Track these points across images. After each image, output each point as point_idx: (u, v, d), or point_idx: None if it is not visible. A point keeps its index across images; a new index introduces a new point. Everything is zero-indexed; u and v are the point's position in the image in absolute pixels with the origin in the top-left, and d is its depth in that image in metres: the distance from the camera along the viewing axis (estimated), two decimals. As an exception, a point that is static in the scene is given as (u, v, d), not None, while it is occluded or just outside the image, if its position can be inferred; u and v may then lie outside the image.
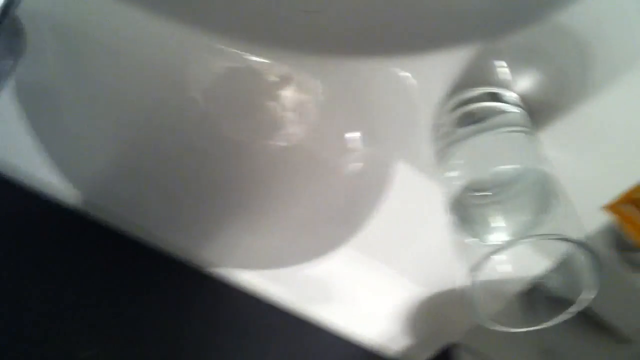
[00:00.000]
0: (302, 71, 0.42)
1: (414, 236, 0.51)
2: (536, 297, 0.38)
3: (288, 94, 0.43)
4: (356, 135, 0.46)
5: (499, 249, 0.32)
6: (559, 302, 0.37)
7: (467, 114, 0.40)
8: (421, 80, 0.41)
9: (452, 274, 0.53)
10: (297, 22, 0.40)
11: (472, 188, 0.38)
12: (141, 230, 0.53)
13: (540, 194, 0.37)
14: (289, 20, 0.40)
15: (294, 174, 0.48)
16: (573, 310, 0.34)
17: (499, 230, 0.38)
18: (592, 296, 0.32)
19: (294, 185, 0.48)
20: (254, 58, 0.41)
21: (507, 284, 0.38)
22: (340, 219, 0.50)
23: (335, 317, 0.59)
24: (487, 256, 0.32)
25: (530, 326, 0.35)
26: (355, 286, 0.55)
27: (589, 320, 0.76)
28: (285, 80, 0.43)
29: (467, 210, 0.38)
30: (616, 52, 0.40)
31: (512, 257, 0.36)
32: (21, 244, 0.46)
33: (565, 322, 0.35)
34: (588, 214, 0.43)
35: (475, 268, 0.34)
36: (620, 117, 0.42)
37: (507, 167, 0.37)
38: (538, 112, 0.42)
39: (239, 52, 0.41)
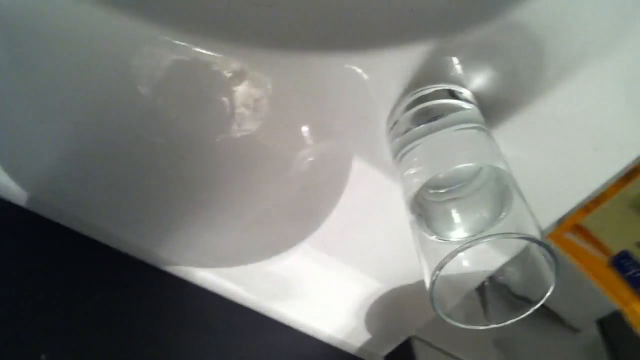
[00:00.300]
0: (255, 66, 0.41)
1: (371, 232, 0.51)
2: (493, 293, 0.39)
3: (240, 88, 0.43)
4: (309, 129, 0.45)
5: (464, 247, 0.32)
6: (515, 297, 0.38)
7: (422, 111, 0.40)
8: (375, 76, 0.41)
9: (409, 269, 0.53)
10: (248, 15, 0.39)
11: (430, 185, 0.39)
12: (92, 229, 0.51)
13: (497, 191, 0.38)
14: (239, 13, 0.39)
15: (250, 168, 0.47)
16: (532, 307, 0.34)
17: (458, 226, 0.38)
18: (549, 292, 0.33)
19: (250, 180, 0.48)
20: (205, 52, 0.41)
21: (466, 280, 0.38)
22: (297, 215, 0.50)
23: (296, 314, 0.59)
24: (452, 255, 0.32)
25: (490, 323, 0.36)
26: (315, 282, 0.55)
27: (540, 310, 0.78)
28: (237, 75, 0.42)
29: (425, 207, 0.38)
30: (569, 49, 0.40)
31: (471, 254, 0.36)
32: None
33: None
34: (543, 209, 0.44)
35: (439, 267, 0.34)
36: (572, 112, 0.43)
37: (464, 165, 0.37)
38: (492, 109, 0.42)
39: (188, 45, 0.40)
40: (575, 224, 0.23)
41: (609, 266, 0.22)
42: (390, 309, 0.58)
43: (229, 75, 0.42)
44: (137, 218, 0.51)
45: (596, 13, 0.39)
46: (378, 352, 0.65)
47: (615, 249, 0.22)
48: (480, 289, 0.40)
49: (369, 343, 0.63)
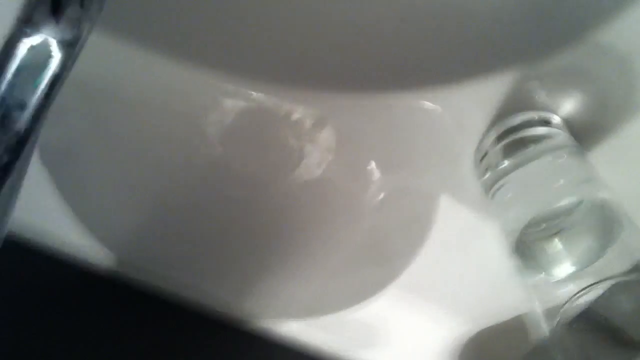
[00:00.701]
0: (329, 111, 0.41)
1: (460, 270, 0.49)
2: (609, 328, 0.36)
3: (315, 133, 0.42)
4: (386, 169, 0.44)
5: (586, 290, 0.30)
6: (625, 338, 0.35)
7: (511, 143, 0.39)
8: (454, 111, 0.40)
9: (499, 307, 0.51)
10: (320, 61, 0.39)
11: (529, 223, 0.37)
12: (172, 285, 0.51)
13: (601, 219, 0.36)
14: (310, 58, 0.39)
15: (327, 211, 0.46)
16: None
17: (563, 262, 0.36)
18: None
19: (329, 225, 0.47)
20: (277, 99, 0.40)
21: (580, 318, 0.36)
22: (382, 257, 0.49)
23: (383, 360, 0.57)
24: (574, 299, 0.30)
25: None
26: (402, 327, 0.53)
27: None
28: (315, 122, 0.42)
29: (526, 246, 0.37)
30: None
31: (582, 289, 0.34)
32: (58, 313, 0.45)
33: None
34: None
35: (561, 312, 0.32)
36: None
37: (564, 202, 0.35)
38: (584, 134, 0.40)
39: (264, 94, 0.40)
40: None
41: None
42: (481, 350, 0.56)
43: (302, 121, 0.42)
44: (218, 272, 0.50)
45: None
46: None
47: None
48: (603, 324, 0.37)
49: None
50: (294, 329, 0.53)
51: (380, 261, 0.49)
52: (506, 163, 0.38)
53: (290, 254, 0.48)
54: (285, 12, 0.37)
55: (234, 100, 0.41)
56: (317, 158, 0.44)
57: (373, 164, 0.44)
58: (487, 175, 0.39)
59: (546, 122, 0.39)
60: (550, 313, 0.32)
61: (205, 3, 0.37)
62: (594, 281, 0.31)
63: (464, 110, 0.40)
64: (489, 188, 0.38)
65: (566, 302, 0.31)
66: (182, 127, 0.42)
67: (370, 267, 0.49)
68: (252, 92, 0.40)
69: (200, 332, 0.51)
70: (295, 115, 0.41)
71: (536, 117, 0.39)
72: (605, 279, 0.30)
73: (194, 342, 0.51)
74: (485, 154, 0.40)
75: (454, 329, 0.54)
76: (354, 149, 0.44)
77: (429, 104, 0.40)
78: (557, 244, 0.36)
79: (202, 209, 0.47)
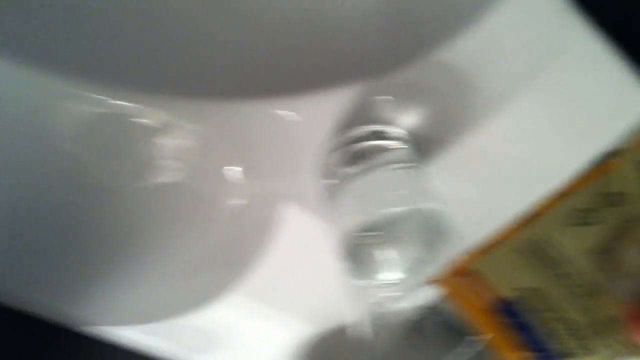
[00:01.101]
0: (180, 116, 0.40)
1: (302, 276, 0.49)
2: (428, 331, 0.38)
3: (164, 138, 0.41)
4: (239, 174, 0.43)
5: (396, 292, 0.31)
6: (451, 332, 0.37)
7: (353, 154, 0.39)
8: (306, 119, 0.40)
9: (342, 310, 0.52)
10: (169, 66, 0.37)
11: (362, 229, 0.37)
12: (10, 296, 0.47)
13: (431, 230, 0.37)
14: (160, 64, 0.37)
15: (174, 216, 0.45)
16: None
17: (392, 269, 0.37)
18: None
19: (174, 229, 0.45)
20: (126, 104, 0.39)
21: (402, 320, 0.37)
22: (226, 263, 0.48)
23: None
24: (386, 300, 0.31)
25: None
26: (246, 331, 0.53)
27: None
28: (161, 126, 0.40)
29: (358, 251, 0.37)
30: (496, 85, 0.41)
31: (406, 294, 0.35)
32: None
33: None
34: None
35: (372, 312, 0.33)
36: (501, 146, 0.43)
37: (397, 210, 0.36)
38: (425, 146, 0.42)
39: (107, 98, 0.38)
40: (467, 268, 0.23)
41: (495, 312, 0.21)
42: (326, 353, 0.56)
43: (153, 126, 0.40)
44: (55, 280, 0.47)
45: (518, 48, 0.40)
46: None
47: (506, 294, 0.22)
48: (416, 328, 0.38)
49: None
50: (131, 336, 0.51)
51: (223, 267, 0.48)
52: (346, 172, 0.38)
53: (131, 261, 0.46)
54: (137, 18, 0.36)
55: (85, 106, 0.38)
56: (172, 164, 0.42)
57: (238, 170, 0.43)
58: (329, 182, 0.39)
59: (389, 135, 0.40)
60: (373, 315, 0.33)
61: (52, 6, 0.35)
62: (416, 287, 0.32)
63: (313, 118, 0.40)
64: (330, 195, 0.39)
65: (378, 302, 0.32)
66: (27, 129, 0.39)
67: (213, 273, 0.48)
68: (105, 98, 0.38)
69: (39, 338, 0.48)
70: (148, 121, 0.40)
71: (377, 130, 0.40)
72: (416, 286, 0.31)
73: (33, 348, 0.48)
74: (326, 164, 0.40)
75: (297, 332, 0.54)
76: (215, 155, 0.43)
77: (286, 112, 0.40)
78: (389, 251, 0.37)
79: (47, 216, 0.44)
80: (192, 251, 0.46)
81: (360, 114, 0.40)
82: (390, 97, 0.40)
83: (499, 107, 0.41)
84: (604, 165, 0.26)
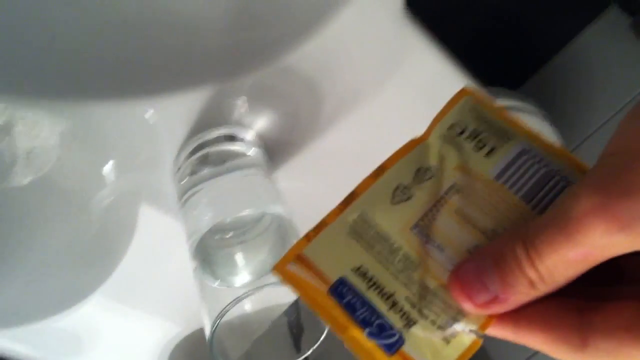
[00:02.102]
0: (41, 115, 0.39)
1: (165, 276, 0.49)
2: (281, 332, 0.39)
3: (18, 136, 0.40)
4: (104, 171, 0.43)
5: (243, 296, 0.32)
6: (303, 331, 0.39)
7: (204, 157, 0.40)
8: (163, 118, 0.40)
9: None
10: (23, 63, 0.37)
11: (212, 230, 0.38)
12: None
13: (278, 234, 0.38)
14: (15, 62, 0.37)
15: (38, 215, 0.44)
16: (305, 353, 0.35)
17: (241, 271, 0.38)
18: (320, 340, 0.34)
19: (38, 228, 0.44)
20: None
21: (252, 324, 0.38)
22: (88, 261, 0.47)
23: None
24: (233, 303, 0.32)
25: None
26: (111, 333, 0.52)
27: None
28: (21, 125, 0.39)
29: (208, 252, 0.38)
30: (343, 88, 0.43)
31: (254, 298, 0.37)
32: None
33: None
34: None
35: (220, 315, 0.34)
36: (348, 146, 0.45)
37: (245, 213, 0.37)
38: (277, 148, 0.43)
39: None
40: (298, 254, 0.24)
41: (328, 295, 0.22)
42: (194, 349, 0.57)
43: (8, 126, 0.39)
44: None
45: (364, 54, 0.42)
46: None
47: (334, 276, 0.23)
48: (269, 330, 0.40)
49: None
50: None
51: (85, 265, 0.47)
52: (196, 176, 0.39)
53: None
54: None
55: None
56: (37, 162, 0.41)
57: (110, 165, 0.43)
58: (181, 183, 0.40)
59: (238, 139, 0.41)
60: (214, 313, 0.34)
61: None
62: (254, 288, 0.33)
63: (168, 120, 0.41)
64: (180, 197, 0.39)
65: (226, 306, 0.33)
66: None
67: (74, 272, 0.47)
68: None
69: None
70: (9, 119, 0.39)
71: (229, 134, 0.41)
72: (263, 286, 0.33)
73: None
74: (180, 166, 0.41)
75: (166, 332, 0.54)
76: (81, 153, 0.42)
77: (143, 108, 0.40)
78: (237, 254, 0.38)
79: None
80: (56, 250, 0.45)
81: (214, 116, 0.41)
82: (241, 100, 0.41)
83: (348, 109, 0.43)
84: (413, 142, 0.28)
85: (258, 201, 0.38)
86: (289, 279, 0.25)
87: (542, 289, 0.22)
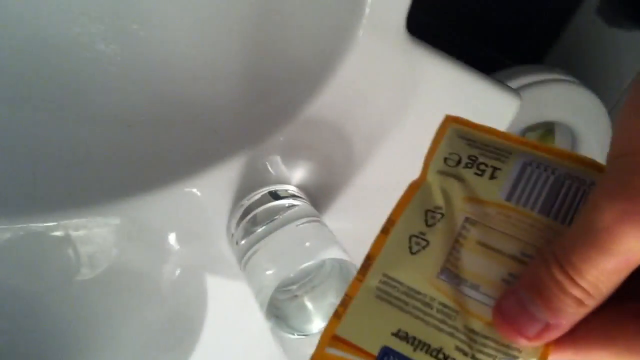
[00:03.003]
0: (85, 220, 0.41)
1: (246, 336, 0.51)
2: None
3: (78, 243, 0.42)
4: (164, 250, 0.45)
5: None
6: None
7: (254, 219, 0.42)
8: (207, 195, 0.43)
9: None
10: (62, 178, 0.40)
11: (279, 287, 0.40)
12: None
13: (341, 276, 0.40)
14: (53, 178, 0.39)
15: (110, 308, 0.46)
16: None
17: (314, 318, 0.40)
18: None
19: (113, 321, 0.47)
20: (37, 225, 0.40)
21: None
22: (168, 343, 0.49)
23: None
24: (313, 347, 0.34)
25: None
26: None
27: None
28: (71, 235, 0.42)
29: (279, 307, 0.40)
30: (367, 125, 0.44)
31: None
32: None
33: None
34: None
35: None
36: (386, 179, 0.46)
37: (306, 265, 0.38)
38: (319, 194, 0.45)
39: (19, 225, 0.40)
40: (332, 336, 0.22)
41: None
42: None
43: (66, 236, 0.42)
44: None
45: (379, 88, 0.44)
46: None
47: (375, 349, 0.21)
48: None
49: None
50: None
51: (172, 343, 0.50)
52: (253, 235, 0.41)
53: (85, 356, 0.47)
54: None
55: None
56: (99, 256, 0.44)
57: (172, 238, 0.45)
58: (238, 246, 0.42)
59: (280, 195, 0.43)
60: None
61: None
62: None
63: (213, 192, 0.43)
64: (241, 259, 0.41)
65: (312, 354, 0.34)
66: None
67: (164, 352, 0.50)
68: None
69: None
70: (63, 232, 0.41)
71: (270, 192, 0.43)
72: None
73: None
74: (233, 234, 0.43)
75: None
76: (145, 236, 0.44)
77: (194, 190, 0.42)
78: (307, 303, 0.40)
79: None
80: (136, 339, 0.48)
81: (254, 180, 0.43)
82: (276, 159, 0.43)
83: (374, 145, 0.45)
84: (412, 187, 0.27)
85: (316, 249, 0.39)
86: None
87: (591, 303, 0.21)
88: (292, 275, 0.41)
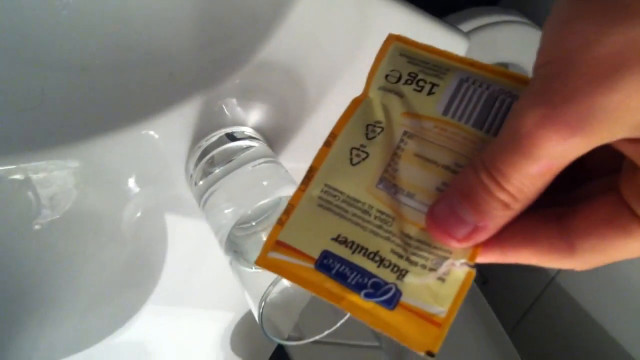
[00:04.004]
0: (43, 163, 0.42)
1: (206, 272, 0.53)
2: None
3: (38, 186, 0.43)
4: (126, 189, 0.46)
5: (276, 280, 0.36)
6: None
7: (211, 160, 0.43)
8: (164, 136, 0.43)
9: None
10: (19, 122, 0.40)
11: (237, 223, 0.42)
12: None
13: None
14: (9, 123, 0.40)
15: (73, 249, 0.47)
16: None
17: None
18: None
19: (76, 261, 0.48)
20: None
21: (295, 299, 0.42)
22: (135, 277, 0.51)
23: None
24: (274, 282, 0.36)
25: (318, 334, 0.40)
26: (170, 335, 0.57)
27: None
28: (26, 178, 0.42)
29: (238, 243, 0.42)
30: (319, 68, 0.45)
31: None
32: None
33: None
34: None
35: (264, 297, 0.38)
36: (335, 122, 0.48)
37: (264, 202, 0.40)
38: (275, 136, 0.46)
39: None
40: (276, 241, 0.24)
41: (316, 271, 0.22)
42: (251, 329, 0.61)
43: (26, 179, 0.42)
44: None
45: (331, 31, 0.45)
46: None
47: (316, 252, 0.23)
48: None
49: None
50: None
51: (132, 282, 0.51)
52: (210, 176, 0.42)
53: (48, 298, 0.49)
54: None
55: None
56: (59, 198, 0.44)
57: (132, 180, 0.46)
58: (197, 187, 0.43)
59: (239, 136, 0.44)
60: (258, 297, 0.37)
61: None
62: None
63: (169, 135, 0.44)
64: (200, 198, 0.43)
65: (268, 287, 0.36)
66: None
67: (123, 290, 0.51)
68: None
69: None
70: (23, 175, 0.42)
71: (229, 133, 0.44)
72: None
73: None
74: (191, 175, 0.44)
75: (221, 321, 0.59)
76: (101, 184, 0.45)
77: (151, 132, 0.43)
78: (264, 239, 0.42)
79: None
80: (101, 275, 0.49)
81: (210, 122, 0.44)
82: (231, 101, 0.44)
83: (329, 87, 0.46)
84: (355, 102, 0.28)
85: (272, 187, 0.41)
86: (273, 267, 0.25)
87: (516, 207, 0.22)
88: (249, 212, 0.43)
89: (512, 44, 1.17)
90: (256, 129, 0.46)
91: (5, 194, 0.42)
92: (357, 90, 0.44)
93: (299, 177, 0.40)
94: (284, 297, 0.42)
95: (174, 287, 0.52)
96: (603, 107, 0.19)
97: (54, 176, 0.43)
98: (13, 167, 0.41)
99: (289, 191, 0.40)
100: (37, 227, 0.44)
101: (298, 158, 0.48)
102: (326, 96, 0.47)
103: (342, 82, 0.47)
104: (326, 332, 0.39)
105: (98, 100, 0.42)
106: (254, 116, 0.45)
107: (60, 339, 0.51)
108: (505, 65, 1.19)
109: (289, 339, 0.39)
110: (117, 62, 0.42)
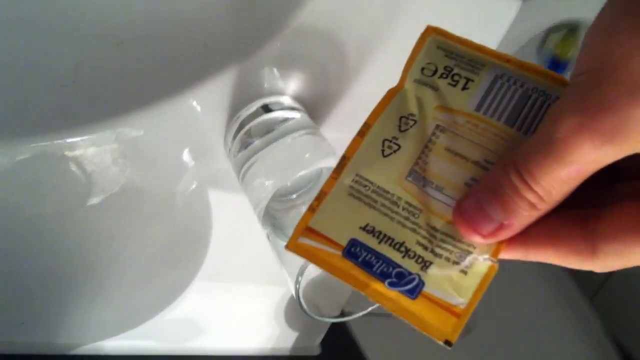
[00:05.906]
0: (95, 139, 0.42)
1: (253, 247, 0.52)
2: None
3: (81, 166, 0.43)
4: (173, 168, 0.46)
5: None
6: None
7: (249, 132, 0.42)
8: (203, 107, 0.43)
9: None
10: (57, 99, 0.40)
11: (276, 196, 0.41)
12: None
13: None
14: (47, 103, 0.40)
15: (117, 227, 0.47)
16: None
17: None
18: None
19: (117, 240, 0.48)
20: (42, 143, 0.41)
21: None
22: (183, 252, 0.51)
23: (218, 343, 0.60)
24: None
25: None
26: (223, 310, 0.57)
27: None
28: (77, 154, 0.42)
29: (276, 217, 0.41)
30: (360, 35, 0.43)
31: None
32: None
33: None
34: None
35: (300, 272, 0.36)
36: (378, 89, 0.46)
37: (302, 173, 0.39)
38: (315, 106, 0.45)
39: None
40: (306, 227, 0.25)
41: (343, 258, 0.23)
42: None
43: (64, 157, 0.42)
44: (29, 315, 0.50)
45: (372, 2, 0.42)
46: (312, 344, 0.67)
47: (344, 240, 0.23)
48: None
49: (299, 339, 0.66)
50: (117, 345, 0.55)
51: (181, 258, 0.51)
52: (249, 148, 0.41)
53: (97, 276, 0.49)
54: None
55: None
56: (111, 175, 0.45)
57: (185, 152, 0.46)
58: (235, 159, 0.42)
59: (278, 106, 0.43)
60: (295, 272, 0.36)
61: None
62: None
63: (210, 106, 0.43)
64: (239, 171, 0.41)
65: (304, 262, 0.35)
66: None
67: (173, 266, 0.51)
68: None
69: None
70: (74, 150, 0.42)
71: (267, 103, 0.43)
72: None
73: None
74: (230, 148, 0.43)
75: (269, 297, 0.58)
76: (155, 151, 0.45)
77: (193, 103, 0.42)
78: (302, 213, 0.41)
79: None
80: (150, 249, 0.49)
81: (249, 91, 0.43)
82: (269, 70, 0.42)
83: (369, 53, 0.44)
84: (390, 93, 0.29)
85: (312, 159, 0.39)
86: (303, 252, 0.26)
87: (543, 207, 0.23)
88: (289, 184, 0.42)
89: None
90: (296, 98, 0.44)
91: (48, 172, 0.42)
92: (398, 56, 0.42)
93: (342, 147, 0.39)
94: (322, 273, 0.40)
95: (222, 264, 0.52)
96: (637, 118, 0.20)
97: (93, 152, 0.43)
98: (56, 142, 0.41)
99: (330, 162, 0.39)
100: (79, 206, 0.44)
101: (340, 128, 0.46)
102: (367, 61, 0.44)
103: (383, 46, 0.44)
104: (370, 309, 0.38)
105: (132, 74, 0.41)
106: (293, 85, 0.44)
107: (109, 317, 0.52)
108: (575, 22, 1.12)
109: (328, 316, 0.38)
110: (149, 34, 0.41)
